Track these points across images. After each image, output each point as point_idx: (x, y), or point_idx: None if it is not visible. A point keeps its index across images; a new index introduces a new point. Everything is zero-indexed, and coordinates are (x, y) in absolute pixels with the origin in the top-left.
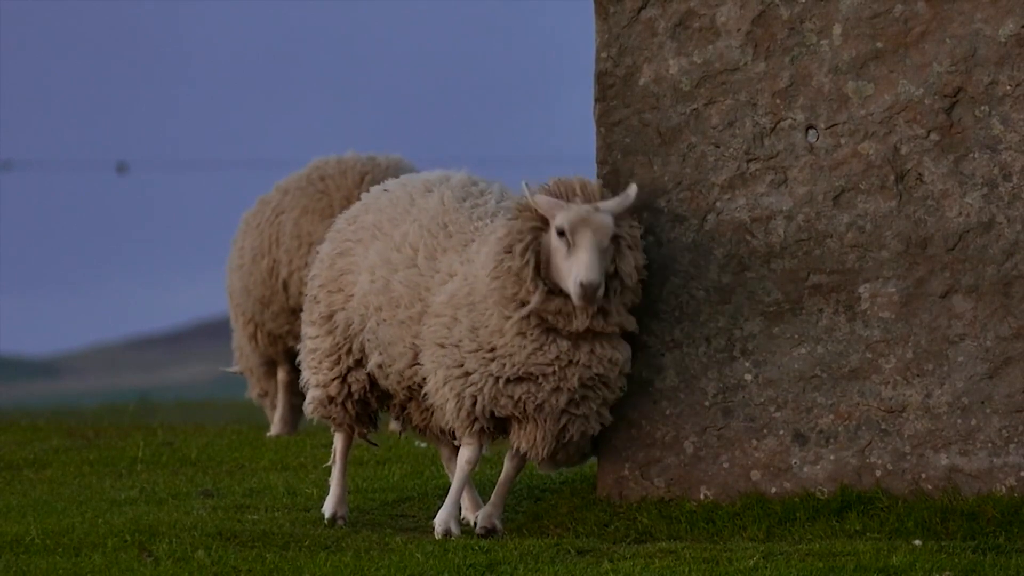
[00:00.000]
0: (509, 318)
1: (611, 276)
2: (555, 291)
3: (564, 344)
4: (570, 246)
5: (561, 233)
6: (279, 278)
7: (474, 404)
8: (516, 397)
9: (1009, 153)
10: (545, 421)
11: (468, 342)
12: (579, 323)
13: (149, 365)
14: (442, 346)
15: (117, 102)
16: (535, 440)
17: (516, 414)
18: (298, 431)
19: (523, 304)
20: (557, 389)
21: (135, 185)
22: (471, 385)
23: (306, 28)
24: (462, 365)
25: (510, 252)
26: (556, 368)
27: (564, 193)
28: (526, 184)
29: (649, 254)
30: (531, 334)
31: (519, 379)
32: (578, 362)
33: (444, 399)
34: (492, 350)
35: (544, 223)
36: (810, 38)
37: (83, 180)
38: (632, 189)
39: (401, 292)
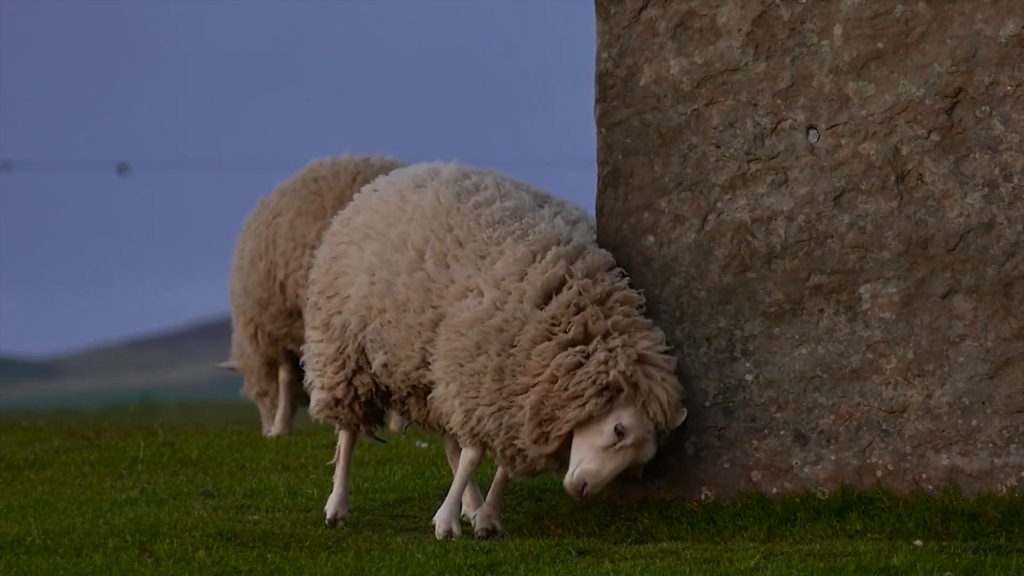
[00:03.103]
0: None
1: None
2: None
3: None
4: (611, 445)
5: (619, 433)
6: (276, 280)
7: (479, 422)
8: (509, 455)
9: (1010, 153)
10: (532, 473)
11: (490, 381)
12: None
13: (150, 365)
14: (461, 365)
15: (117, 102)
16: (520, 473)
17: (508, 452)
18: (295, 431)
19: (550, 421)
20: (555, 469)
21: (135, 185)
22: (479, 410)
23: (306, 28)
24: (477, 395)
25: (569, 403)
26: (560, 465)
27: (655, 411)
28: (617, 372)
29: (650, 255)
30: (552, 447)
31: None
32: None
33: (451, 409)
34: (512, 400)
35: (612, 399)
36: (811, 38)
37: (83, 180)
38: (683, 415)
39: (408, 296)
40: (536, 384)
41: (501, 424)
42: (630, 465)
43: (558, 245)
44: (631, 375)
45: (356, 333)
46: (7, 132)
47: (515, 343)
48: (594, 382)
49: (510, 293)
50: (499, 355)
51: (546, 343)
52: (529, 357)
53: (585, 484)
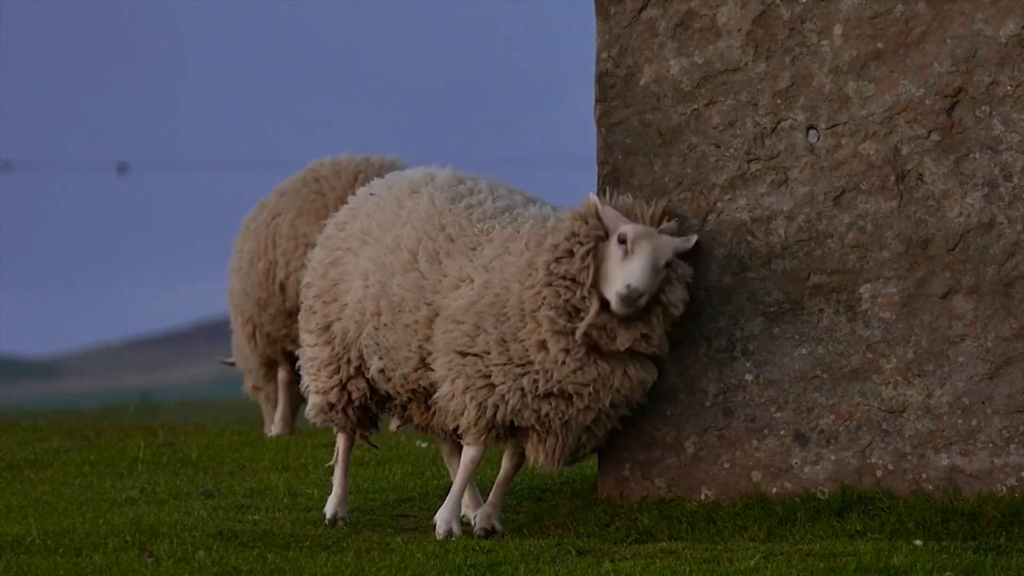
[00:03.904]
0: (558, 333)
1: (658, 302)
2: (603, 305)
3: (604, 366)
4: (627, 254)
5: (622, 241)
6: (276, 280)
7: (495, 414)
8: (543, 412)
9: (1010, 153)
10: (567, 436)
11: (497, 354)
12: (621, 342)
13: (149, 365)
14: (463, 354)
15: (117, 102)
16: (553, 454)
17: (538, 428)
18: (297, 431)
19: (575, 310)
20: (587, 408)
21: (135, 185)
22: (496, 396)
23: (306, 28)
24: (488, 376)
25: (570, 256)
26: (592, 389)
27: (632, 214)
28: (598, 195)
29: None
30: (575, 352)
31: (549, 395)
32: (612, 384)
33: (462, 406)
34: (525, 364)
35: (605, 235)
36: (811, 38)
37: (83, 180)
38: (694, 238)
39: (402, 296)
40: (540, 307)
41: (524, 390)
42: (657, 263)
43: (537, 220)
44: (604, 199)
45: (354, 339)
46: (7, 132)
47: (505, 308)
48: (575, 218)
49: (496, 270)
50: (495, 328)
51: (529, 278)
52: (522, 306)
53: (628, 285)
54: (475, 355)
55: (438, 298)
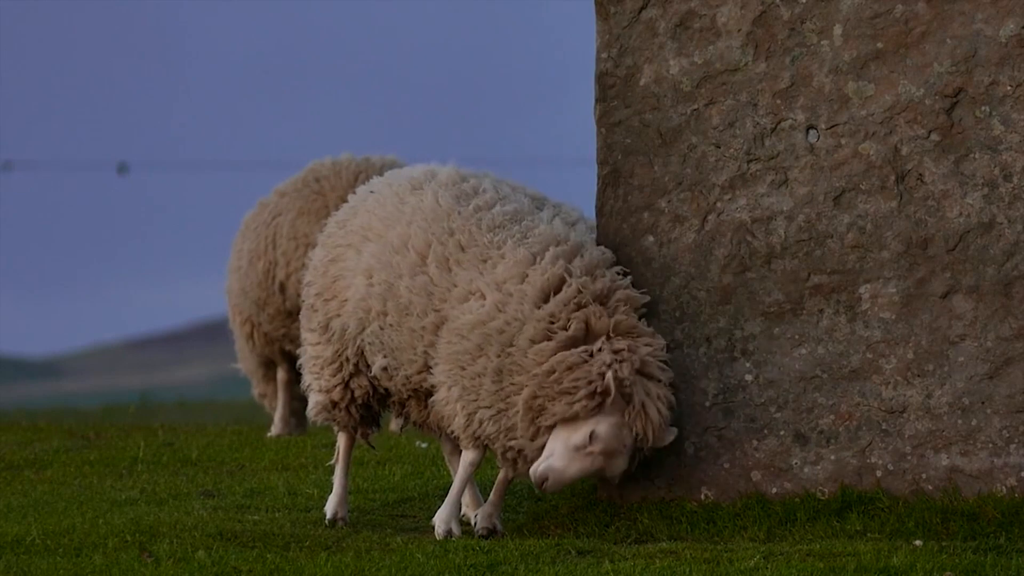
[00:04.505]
0: (525, 411)
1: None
2: None
3: None
4: (582, 447)
5: (591, 438)
6: (276, 280)
7: (480, 425)
8: (509, 457)
9: (1010, 153)
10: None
11: (490, 382)
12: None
13: (149, 365)
14: (463, 368)
15: (117, 102)
16: (522, 473)
17: (509, 455)
18: (308, 431)
19: (537, 430)
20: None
21: (135, 185)
22: (479, 414)
23: (308, 28)
24: (477, 397)
25: (555, 399)
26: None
27: (639, 428)
28: (613, 377)
29: (650, 255)
30: (541, 440)
31: (515, 444)
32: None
33: (454, 413)
34: (509, 404)
35: (602, 403)
36: (811, 38)
37: (83, 180)
38: (673, 434)
39: (410, 299)
40: (532, 378)
41: (500, 427)
42: (598, 473)
43: (556, 245)
44: (628, 385)
45: (355, 336)
46: (7, 132)
47: (513, 343)
48: (589, 383)
49: (511, 295)
50: (498, 356)
51: (545, 342)
52: (526, 355)
53: (547, 479)
54: (473, 375)
55: (446, 307)
